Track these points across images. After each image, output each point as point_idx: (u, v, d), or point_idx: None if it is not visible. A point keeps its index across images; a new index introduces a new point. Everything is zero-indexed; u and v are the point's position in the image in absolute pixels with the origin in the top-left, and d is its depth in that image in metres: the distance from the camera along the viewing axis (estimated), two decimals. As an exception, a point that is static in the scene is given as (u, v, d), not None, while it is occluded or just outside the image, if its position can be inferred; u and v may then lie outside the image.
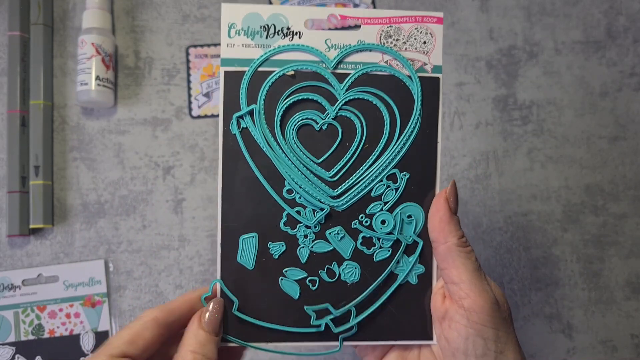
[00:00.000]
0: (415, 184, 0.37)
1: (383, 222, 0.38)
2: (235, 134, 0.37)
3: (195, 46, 0.63)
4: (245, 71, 0.37)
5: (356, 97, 0.37)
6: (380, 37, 0.37)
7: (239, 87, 0.37)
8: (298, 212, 0.37)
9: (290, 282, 0.37)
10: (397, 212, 0.37)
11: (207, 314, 0.34)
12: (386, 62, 0.37)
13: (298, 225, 0.37)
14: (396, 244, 0.38)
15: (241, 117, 0.37)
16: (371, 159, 0.38)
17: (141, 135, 0.62)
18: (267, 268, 0.37)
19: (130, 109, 0.62)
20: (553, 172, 0.62)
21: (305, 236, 0.37)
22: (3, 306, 0.59)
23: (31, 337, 0.59)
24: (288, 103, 0.37)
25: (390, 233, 0.37)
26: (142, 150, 0.62)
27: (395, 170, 0.37)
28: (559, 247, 0.61)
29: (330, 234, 0.37)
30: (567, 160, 0.62)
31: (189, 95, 0.62)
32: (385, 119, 0.37)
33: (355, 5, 0.63)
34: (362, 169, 0.37)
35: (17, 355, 0.58)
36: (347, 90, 0.37)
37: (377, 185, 0.37)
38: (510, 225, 0.61)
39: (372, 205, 0.38)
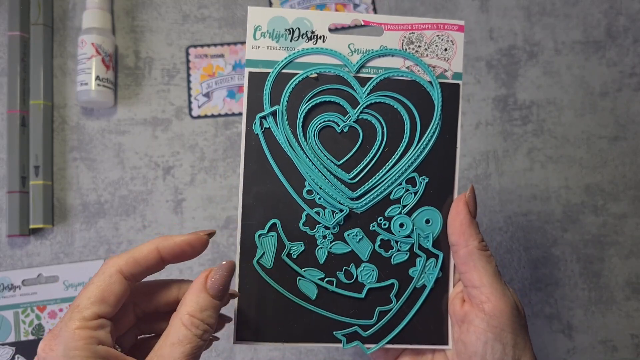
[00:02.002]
0: (434, 188, 0.38)
1: (401, 225, 0.38)
2: (257, 134, 0.37)
3: (195, 46, 0.63)
4: (269, 72, 0.37)
5: (377, 100, 0.38)
6: (402, 43, 0.38)
7: (262, 88, 0.37)
8: (317, 213, 0.38)
9: (308, 282, 0.38)
10: (415, 216, 0.38)
11: (214, 277, 0.31)
12: (407, 67, 0.38)
13: (317, 225, 0.38)
14: (413, 247, 0.38)
15: (264, 117, 0.37)
16: (391, 162, 0.38)
17: (141, 136, 0.62)
18: (286, 268, 0.37)
19: (130, 109, 0.62)
20: (553, 172, 0.62)
21: (324, 237, 0.38)
22: (3, 306, 0.59)
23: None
24: (310, 105, 0.38)
25: (408, 236, 0.38)
26: (142, 150, 0.62)
27: (415, 174, 0.38)
28: (559, 247, 0.61)
29: (348, 235, 0.38)
30: (567, 160, 0.62)
31: (189, 95, 0.62)
32: (406, 123, 0.38)
33: (355, 5, 0.63)
34: (381, 172, 0.38)
35: (17, 356, 0.58)
36: (368, 94, 0.38)
37: (396, 188, 0.38)
38: (510, 225, 0.61)
39: (390, 208, 0.38)
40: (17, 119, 0.60)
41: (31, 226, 0.59)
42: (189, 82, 0.62)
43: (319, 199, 0.38)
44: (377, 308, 0.38)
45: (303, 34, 0.38)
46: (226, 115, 0.62)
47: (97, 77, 0.59)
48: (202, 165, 0.61)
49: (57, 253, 0.60)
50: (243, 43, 0.63)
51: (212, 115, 0.62)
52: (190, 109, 0.62)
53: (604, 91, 0.63)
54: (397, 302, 0.38)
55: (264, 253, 0.37)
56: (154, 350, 0.30)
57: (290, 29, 0.38)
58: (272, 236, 0.37)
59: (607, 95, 0.63)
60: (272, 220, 0.37)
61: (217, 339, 0.36)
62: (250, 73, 0.37)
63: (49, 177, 0.60)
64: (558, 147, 0.62)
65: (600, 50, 0.63)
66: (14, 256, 0.60)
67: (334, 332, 0.37)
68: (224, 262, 0.32)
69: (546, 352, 0.59)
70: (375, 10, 0.63)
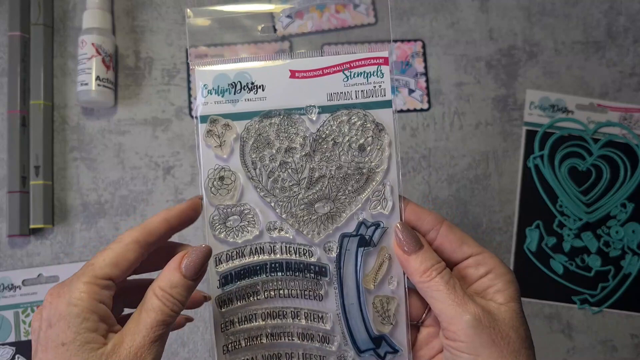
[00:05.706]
0: (638, 210, 0.60)
1: (617, 232, 0.60)
2: (530, 167, 0.60)
3: (195, 46, 0.63)
4: (538, 130, 0.61)
5: (604, 153, 0.61)
6: (620, 119, 0.61)
7: (534, 139, 0.61)
8: (565, 219, 0.60)
9: (557, 263, 0.60)
10: (626, 227, 0.60)
11: (189, 259, 0.33)
12: (623, 134, 0.61)
13: (564, 227, 0.60)
14: (624, 247, 0.59)
15: (534, 157, 0.60)
16: (612, 192, 0.60)
17: (141, 135, 0.62)
18: (544, 252, 0.60)
19: (131, 109, 0.62)
20: (553, 172, 0.62)
21: (568, 235, 0.60)
22: (3, 306, 0.59)
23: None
24: (563, 152, 0.61)
25: (621, 240, 0.60)
26: (142, 150, 0.62)
27: (626, 201, 0.60)
28: (559, 247, 0.61)
29: (583, 235, 0.60)
30: (567, 161, 0.62)
31: (189, 95, 0.62)
32: (621, 169, 0.60)
33: (356, 6, 0.63)
34: (606, 198, 0.60)
35: (17, 356, 0.58)
36: (599, 148, 0.61)
37: (614, 208, 0.60)
38: (509, 225, 0.61)
39: (610, 220, 0.60)
40: (18, 119, 0.60)
41: (31, 226, 0.59)
42: (189, 82, 0.62)
43: (567, 210, 0.60)
44: (600, 284, 0.59)
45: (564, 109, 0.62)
46: (226, 115, 0.62)
47: (98, 77, 0.59)
48: (202, 165, 0.62)
49: (58, 253, 0.60)
50: (242, 43, 0.63)
51: (212, 116, 0.62)
52: (190, 109, 0.62)
53: (604, 91, 0.63)
54: (613, 281, 0.59)
55: (530, 241, 0.59)
56: (132, 315, 0.32)
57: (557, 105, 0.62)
58: (536, 231, 0.60)
59: (607, 95, 0.63)
60: (537, 221, 0.60)
61: (190, 319, 0.39)
62: (526, 131, 0.61)
63: (49, 177, 0.60)
64: (558, 147, 0.62)
65: (600, 51, 0.63)
66: (14, 256, 0.60)
67: (572, 297, 0.59)
68: (202, 245, 0.34)
69: (546, 352, 0.60)
70: (375, 11, 0.63)
